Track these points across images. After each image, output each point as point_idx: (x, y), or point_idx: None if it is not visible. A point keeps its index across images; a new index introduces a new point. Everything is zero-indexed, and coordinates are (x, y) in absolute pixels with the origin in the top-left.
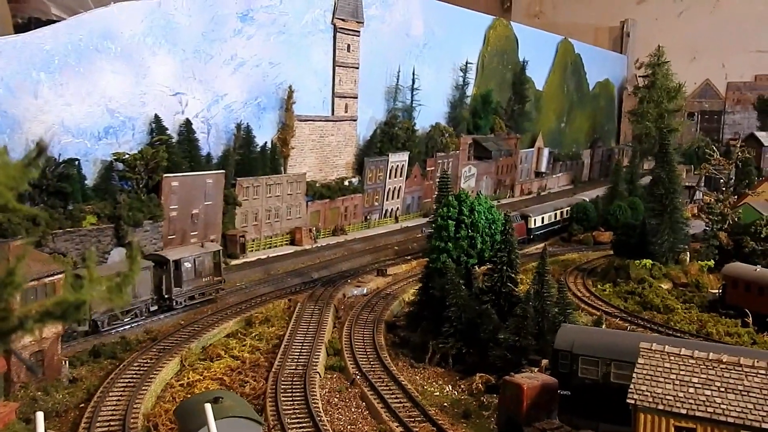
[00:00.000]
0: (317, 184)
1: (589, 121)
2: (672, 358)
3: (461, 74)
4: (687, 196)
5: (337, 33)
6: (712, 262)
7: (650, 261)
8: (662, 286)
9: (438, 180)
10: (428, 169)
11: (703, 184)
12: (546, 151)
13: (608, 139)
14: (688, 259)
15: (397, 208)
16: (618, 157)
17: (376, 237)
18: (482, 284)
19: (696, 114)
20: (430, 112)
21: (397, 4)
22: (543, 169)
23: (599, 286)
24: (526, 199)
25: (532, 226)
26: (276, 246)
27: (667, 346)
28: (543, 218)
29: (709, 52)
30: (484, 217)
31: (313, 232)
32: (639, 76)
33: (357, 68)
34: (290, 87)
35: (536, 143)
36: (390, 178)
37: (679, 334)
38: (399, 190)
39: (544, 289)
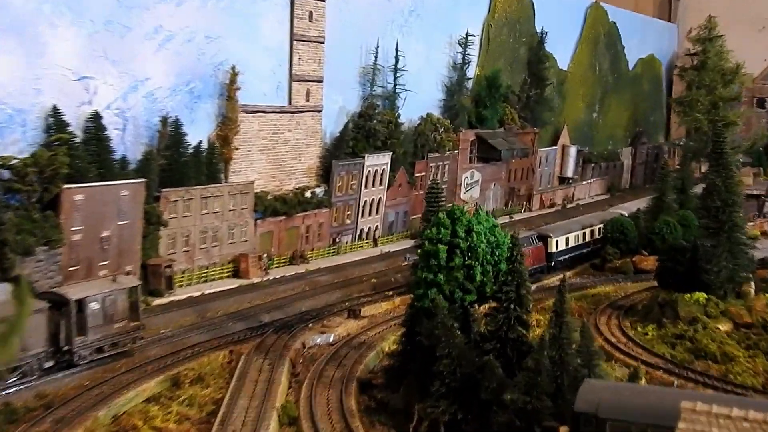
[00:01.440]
0: (269, 197)
1: (629, 110)
2: (721, 421)
3: (460, 50)
4: (754, 209)
5: None
6: None
7: (704, 295)
8: (720, 327)
9: (427, 191)
10: (417, 174)
11: None
12: (573, 150)
13: (655, 133)
14: (753, 291)
15: (376, 228)
16: (667, 157)
17: (348, 266)
18: (483, 328)
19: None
20: (420, 100)
21: None
22: (569, 173)
23: (639, 328)
24: (546, 214)
25: (554, 249)
26: (214, 279)
27: (714, 406)
28: (568, 239)
29: None
30: (484, 240)
31: (264, 261)
32: (686, 54)
33: (322, 43)
34: (233, 68)
35: (560, 140)
36: (366, 187)
37: (739, 390)
38: (378, 204)
39: (563, 334)
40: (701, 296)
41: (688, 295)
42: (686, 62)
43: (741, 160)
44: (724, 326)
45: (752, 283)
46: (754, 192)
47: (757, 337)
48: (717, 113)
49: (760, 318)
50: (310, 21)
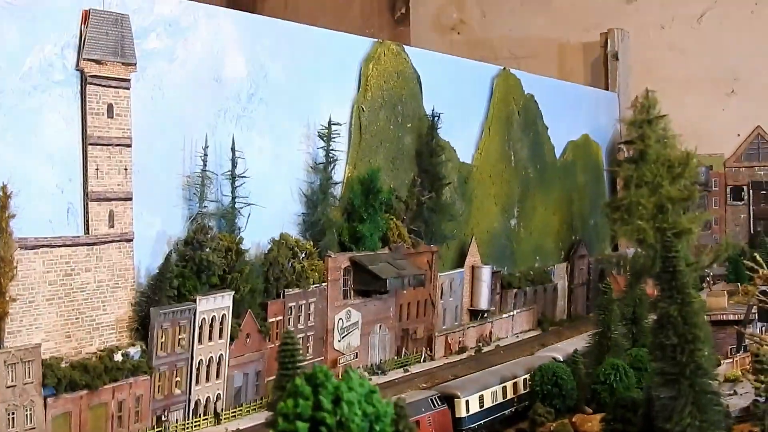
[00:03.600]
0: (63, 364)
1: (560, 212)
2: None
3: (322, 145)
4: (732, 341)
5: (89, 85)
6: None
7: None
8: None
9: (279, 345)
10: (271, 320)
11: (756, 318)
12: (487, 273)
13: (598, 241)
14: None
15: (218, 398)
16: (614, 275)
17: None
18: None
19: (746, 189)
20: (270, 217)
21: (197, 27)
22: (483, 304)
23: None
24: (455, 363)
25: (464, 413)
26: None
27: None
28: (482, 398)
29: (757, 78)
30: (359, 412)
31: None
32: (620, 144)
33: (129, 146)
34: (4, 187)
35: (468, 259)
36: (201, 342)
37: None
38: (219, 364)
39: None
40: None
41: None
42: (626, 151)
43: (710, 273)
44: None
45: None
46: (731, 317)
47: None
48: (665, 219)
49: None
50: (110, 117)
